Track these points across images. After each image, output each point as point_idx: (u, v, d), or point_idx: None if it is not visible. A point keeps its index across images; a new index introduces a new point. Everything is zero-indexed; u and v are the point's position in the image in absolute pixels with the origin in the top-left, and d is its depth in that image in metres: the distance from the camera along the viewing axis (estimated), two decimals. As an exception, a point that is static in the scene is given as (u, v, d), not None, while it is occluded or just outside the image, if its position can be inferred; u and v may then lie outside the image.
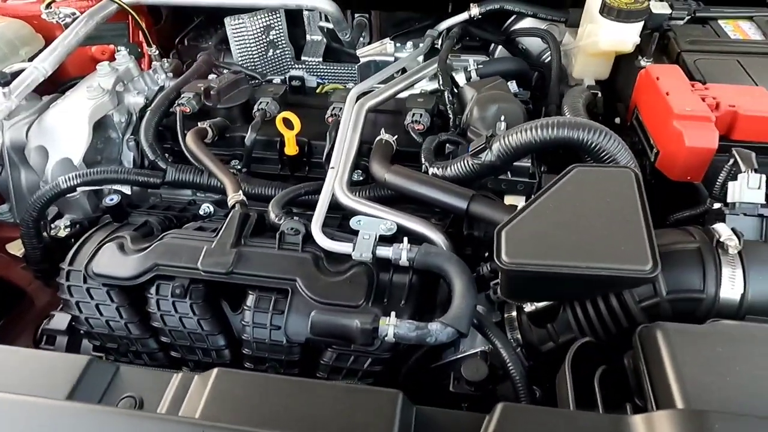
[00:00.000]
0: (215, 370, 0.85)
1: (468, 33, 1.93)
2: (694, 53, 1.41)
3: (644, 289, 0.99)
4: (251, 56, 2.18)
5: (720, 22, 1.55)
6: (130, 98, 1.67)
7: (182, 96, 1.60)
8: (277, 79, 1.87)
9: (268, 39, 2.19)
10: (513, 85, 1.58)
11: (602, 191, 1.01)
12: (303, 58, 2.25)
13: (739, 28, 1.52)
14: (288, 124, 1.46)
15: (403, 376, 1.15)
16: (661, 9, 1.55)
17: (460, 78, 1.67)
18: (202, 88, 1.58)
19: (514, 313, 1.19)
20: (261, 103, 1.58)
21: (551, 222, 0.98)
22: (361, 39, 2.25)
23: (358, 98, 1.54)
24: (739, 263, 0.96)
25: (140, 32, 1.95)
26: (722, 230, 0.99)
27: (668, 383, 0.79)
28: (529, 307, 1.11)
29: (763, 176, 1.05)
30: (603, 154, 1.14)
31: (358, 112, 1.50)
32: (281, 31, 2.20)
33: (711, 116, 1.15)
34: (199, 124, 1.52)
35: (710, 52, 1.42)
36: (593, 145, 1.14)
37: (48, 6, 1.76)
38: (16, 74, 1.58)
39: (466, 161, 1.29)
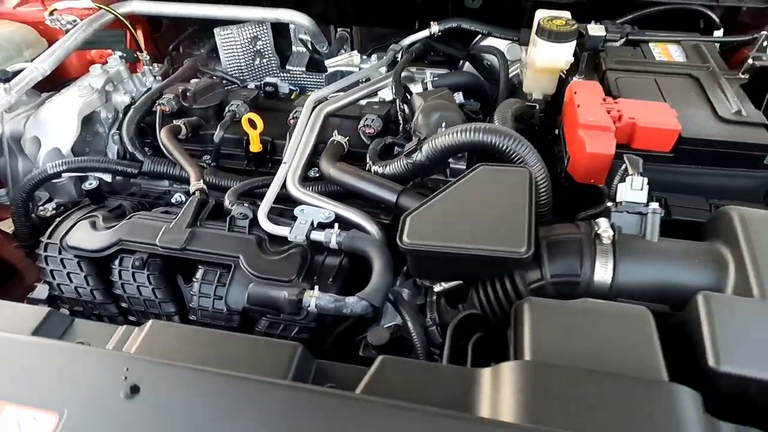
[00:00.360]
0: (150, 321, 1.01)
1: (433, 48, 2.10)
2: (617, 72, 1.56)
3: (533, 273, 1.14)
4: (239, 64, 2.37)
5: (651, 45, 1.69)
6: (117, 97, 1.85)
7: (163, 96, 1.78)
8: (251, 85, 2.05)
9: (255, 49, 2.38)
10: (459, 96, 1.73)
11: (499, 186, 1.16)
12: (288, 67, 2.43)
13: (666, 51, 1.66)
14: (252, 124, 1.63)
15: (328, 346, 1.30)
16: (597, 32, 1.70)
17: (417, 88, 1.84)
18: (180, 90, 1.76)
19: (435, 297, 1.34)
20: (232, 105, 1.76)
21: (451, 210, 1.13)
22: (343, 52, 2.43)
23: (318, 103, 1.71)
24: (611, 252, 1.10)
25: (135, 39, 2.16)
26: (601, 224, 1.13)
27: (523, 342, 0.93)
28: (437, 287, 1.26)
29: (645, 179, 1.19)
30: (513, 156, 1.29)
31: (316, 116, 1.67)
32: (267, 42, 2.38)
33: (611, 126, 1.29)
34: (174, 121, 1.70)
35: (632, 71, 1.56)
36: (504, 148, 1.29)
37: (51, 13, 1.96)
38: (17, 73, 1.77)
39: (401, 161, 1.45)
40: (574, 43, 1.63)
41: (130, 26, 2.02)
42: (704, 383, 0.91)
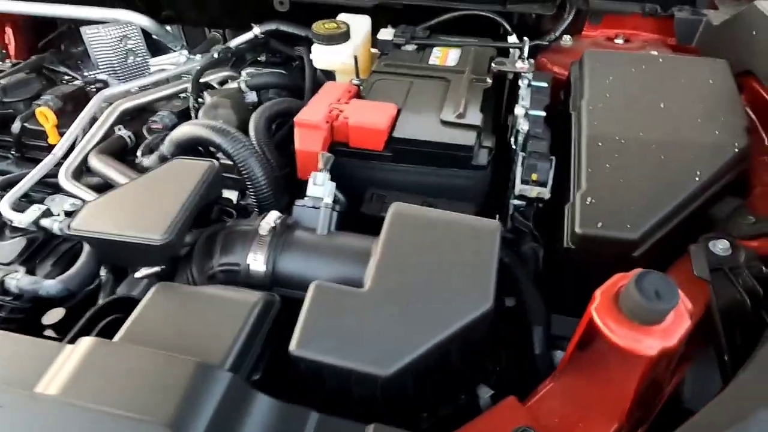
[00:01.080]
0: None
1: (271, 50, 2.17)
2: (380, 74, 1.60)
3: (213, 261, 1.20)
4: (111, 63, 2.44)
5: (435, 49, 1.73)
6: (-57, 89, 1.96)
7: (-19, 89, 1.88)
8: (79, 82, 2.13)
9: (126, 48, 2.47)
10: (252, 95, 1.80)
11: (177, 178, 1.22)
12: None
13: (444, 56, 1.69)
14: (44, 117, 1.72)
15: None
16: (385, 36, 1.75)
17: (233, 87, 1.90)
18: (-7, 84, 1.86)
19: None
20: (42, 99, 1.84)
21: (125, 200, 1.20)
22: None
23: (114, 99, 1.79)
24: (267, 244, 1.15)
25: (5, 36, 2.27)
26: (269, 217, 1.19)
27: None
28: (138, 274, 1.32)
29: (328, 175, 1.24)
30: (231, 152, 1.35)
31: (111, 111, 1.75)
32: (138, 41, 2.46)
33: (320, 125, 1.34)
34: (-21, 113, 1.80)
35: (396, 74, 1.60)
36: (219, 144, 1.35)
37: None
38: None
39: (156, 153, 1.52)
40: (349, 45, 1.68)
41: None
42: (290, 367, 0.97)
